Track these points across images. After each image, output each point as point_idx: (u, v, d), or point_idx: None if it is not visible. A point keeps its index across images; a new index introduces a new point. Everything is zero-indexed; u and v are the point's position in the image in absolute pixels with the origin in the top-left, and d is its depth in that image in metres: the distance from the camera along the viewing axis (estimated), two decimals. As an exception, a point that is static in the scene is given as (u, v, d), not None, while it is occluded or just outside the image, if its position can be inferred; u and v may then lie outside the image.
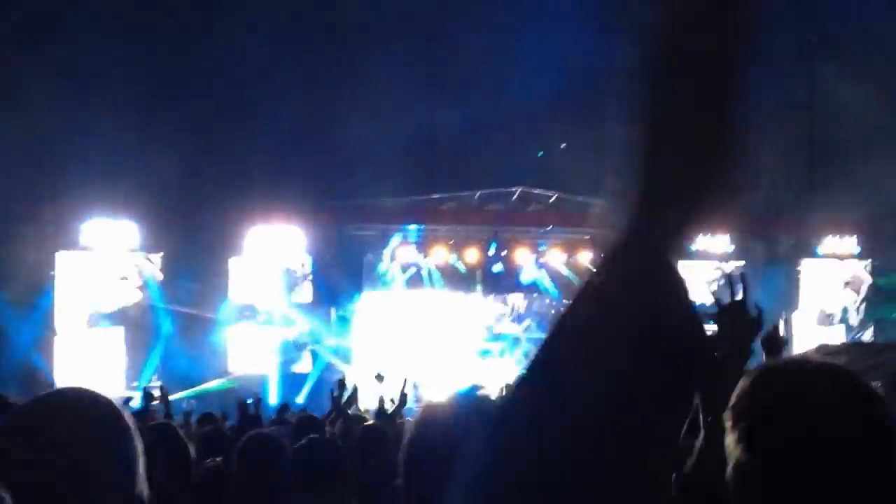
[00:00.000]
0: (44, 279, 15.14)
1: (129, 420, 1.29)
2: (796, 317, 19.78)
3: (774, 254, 19.67)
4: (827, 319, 20.18)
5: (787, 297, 19.93)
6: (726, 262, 19.56)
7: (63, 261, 15.42)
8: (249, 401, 7.31)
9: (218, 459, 3.19)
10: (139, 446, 1.28)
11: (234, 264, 16.52)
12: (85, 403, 1.28)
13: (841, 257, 20.06)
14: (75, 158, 14.36)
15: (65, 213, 15.22)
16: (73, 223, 15.42)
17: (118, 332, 15.72)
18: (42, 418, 1.24)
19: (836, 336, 19.37)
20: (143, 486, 1.27)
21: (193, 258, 15.60)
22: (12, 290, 14.11)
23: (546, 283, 18.27)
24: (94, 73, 15.13)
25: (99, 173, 14.46)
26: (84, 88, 15.01)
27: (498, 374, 16.10)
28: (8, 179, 13.21)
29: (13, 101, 13.31)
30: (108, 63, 15.24)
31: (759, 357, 2.06)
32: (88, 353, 15.39)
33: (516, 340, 17.82)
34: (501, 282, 18.17)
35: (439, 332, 17.50)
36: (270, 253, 16.66)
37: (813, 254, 19.96)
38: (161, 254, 15.88)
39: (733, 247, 19.37)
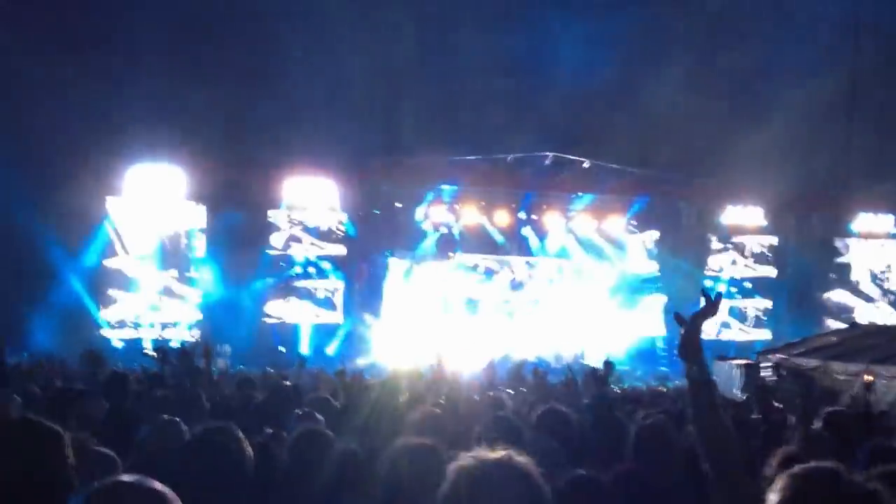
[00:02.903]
0: (94, 223, 15.81)
1: None
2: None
3: (807, 229, 19.57)
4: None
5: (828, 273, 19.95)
6: (760, 234, 19.57)
7: (112, 206, 16.07)
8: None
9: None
10: None
11: (272, 216, 17.04)
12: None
13: (876, 236, 19.88)
14: (123, 106, 14.83)
15: (112, 160, 15.77)
16: (120, 170, 16.00)
17: (163, 279, 16.41)
18: None
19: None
20: None
21: (234, 209, 16.08)
22: (64, 234, 14.81)
23: (572, 248, 18.53)
24: (142, 25, 15.51)
25: (147, 120, 14.90)
26: (131, 42, 15.45)
27: (519, 335, 16.62)
28: (60, 127, 13.74)
29: (63, 51, 13.76)
30: (156, 14, 15.60)
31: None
32: (135, 297, 16.17)
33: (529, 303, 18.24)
34: (529, 245, 18.46)
35: (464, 292, 17.93)
36: (307, 206, 17.12)
37: (847, 231, 19.79)
38: (204, 207, 16.36)
39: (766, 222, 19.36)
